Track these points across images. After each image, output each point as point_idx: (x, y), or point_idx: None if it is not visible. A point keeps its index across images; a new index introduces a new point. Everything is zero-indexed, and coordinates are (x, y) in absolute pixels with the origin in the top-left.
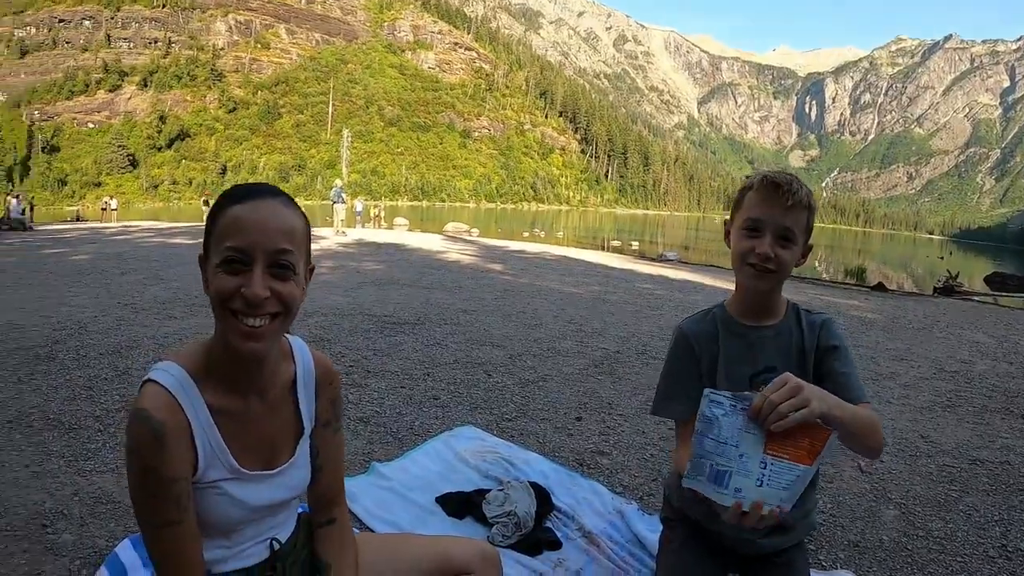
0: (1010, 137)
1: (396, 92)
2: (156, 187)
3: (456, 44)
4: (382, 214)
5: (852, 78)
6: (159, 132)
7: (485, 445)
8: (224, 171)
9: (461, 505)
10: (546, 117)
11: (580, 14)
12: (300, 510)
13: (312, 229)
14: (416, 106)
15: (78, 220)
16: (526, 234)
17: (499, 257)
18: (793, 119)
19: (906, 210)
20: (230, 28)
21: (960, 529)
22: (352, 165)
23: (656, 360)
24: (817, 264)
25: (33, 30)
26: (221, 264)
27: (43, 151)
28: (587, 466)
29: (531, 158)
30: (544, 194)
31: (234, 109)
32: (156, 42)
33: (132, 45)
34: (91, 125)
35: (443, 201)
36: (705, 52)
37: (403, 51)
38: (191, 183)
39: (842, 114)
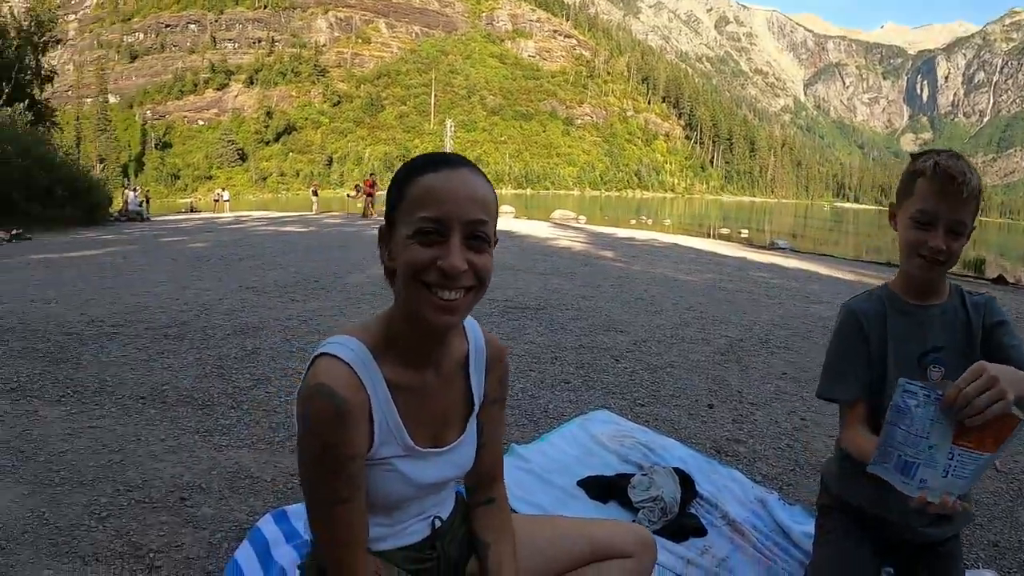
0: None
1: (497, 81)
2: (265, 179)
3: (555, 31)
4: None
5: (964, 55)
6: (266, 127)
7: (621, 430)
8: (330, 162)
9: (604, 489)
10: (649, 103)
11: None
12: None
13: None
14: (518, 94)
15: (192, 211)
16: (633, 222)
17: (609, 244)
18: (904, 100)
19: None
20: (331, 25)
21: None
22: None
23: (780, 350)
24: None
25: (141, 35)
26: (414, 235)
27: (156, 148)
28: (724, 454)
29: (635, 145)
30: (648, 181)
31: (338, 103)
32: (260, 41)
33: (237, 45)
34: (201, 122)
35: (547, 189)
36: (810, 31)
37: (502, 40)
38: (298, 174)
39: (955, 94)
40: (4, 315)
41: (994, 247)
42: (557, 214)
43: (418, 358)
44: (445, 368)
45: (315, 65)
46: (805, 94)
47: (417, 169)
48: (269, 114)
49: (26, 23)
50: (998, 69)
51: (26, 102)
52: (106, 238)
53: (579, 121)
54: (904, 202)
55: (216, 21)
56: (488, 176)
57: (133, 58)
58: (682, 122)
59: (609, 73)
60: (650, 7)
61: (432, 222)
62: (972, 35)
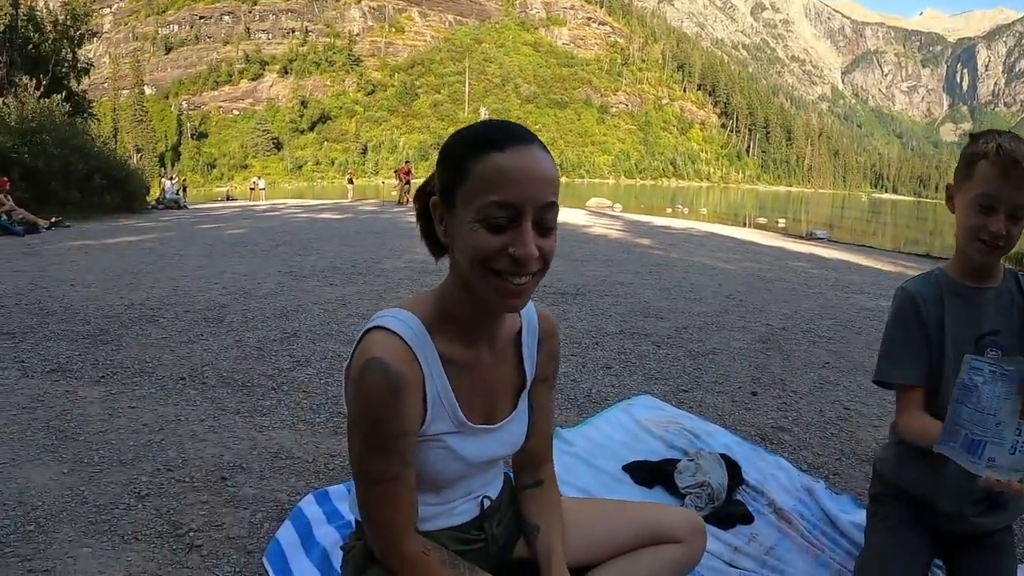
0: None
1: (531, 69)
2: (300, 168)
3: (589, 19)
4: None
5: (1006, 44)
6: (301, 116)
7: (665, 415)
8: (365, 151)
9: (650, 474)
10: (684, 91)
11: None
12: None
13: None
14: (552, 83)
15: (228, 199)
16: (669, 210)
17: (646, 232)
18: (943, 89)
19: None
20: (364, 14)
21: None
22: None
23: (822, 340)
24: None
25: (176, 28)
26: (482, 220)
27: (192, 138)
28: (769, 441)
29: (670, 133)
30: (684, 170)
31: (372, 91)
32: (293, 32)
33: (271, 36)
34: (236, 112)
35: (582, 177)
36: (847, 18)
37: (536, 28)
38: (333, 163)
39: (996, 83)
40: (45, 299)
41: None
42: (593, 202)
43: (473, 334)
44: (499, 344)
45: (349, 54)
46: (843, 82)
47: (482, 144)
48: (304, 103)
49: (62, 17)
50: None
51: (63, 94)
52: (144, 225)
53: (614, 109)
54: (963, 185)
55: (250, 12)
56: None
57: (168, 50)
58: (718, 110)
59: (644, 61)
60: None
61: (504, 207)
62: (1013, 23)
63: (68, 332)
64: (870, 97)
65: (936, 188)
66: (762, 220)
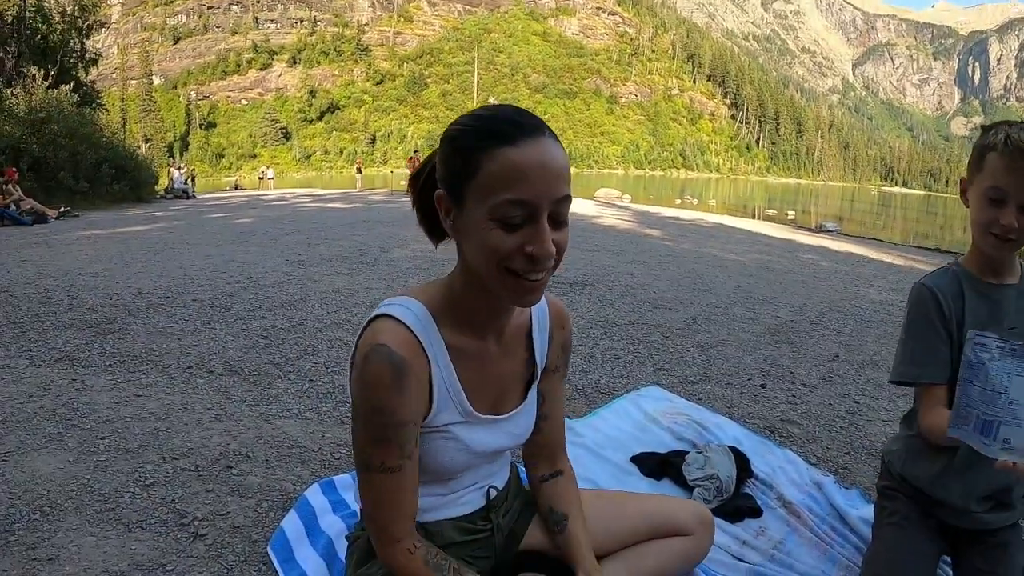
0: None
1: (541, 59)
2: (308, 157)
3: (599, 9)
4: None
5: (1018, 37)
6: (310, 106)
7: (674, 407)
8: (373, 141)
9: (658, 466)
10: (694, 82)
11: None
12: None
13: None
14: (561, 73)
15: (237, 189)
16: (678, 201)
17: (655, 223)
18: (955, 82)
19: None
20: (372, 4)
21: None
22: None
23: (832, 332)
24: None
25: (184, 18)
26: (497, 220)
27: (200, 128)
28: (778, 434)
29: (679, 124)
30: (693, 161)
31: (381, 81)
32: (302, 21)
33: (279, 26)
34: (244, 102)
35: (590, 168)
36: (859, 10)
37: (545, 18)
38: (342, 153)
39: (1008, 77)
40: (53, 288)
41: None
42: (601, 192)
43: (480, 325)
44: (507, 335)
45: (357, 44)
46: (853, 74)
47: (491, 137)
48: (312, 93)
49: (70, 7)
50: None
51: (72, 84)
52: (152, 214)
53: (623, 100)
54: (975, 178)
55: (258, 2)
56: None
57: (176, 40)
58: (728, 101)
59: (654, 51)
60: None
61: (519, 206)
62: None
63: (75, 321)
64: (881, 90)
65: (947, 182)
66: (771, 212)
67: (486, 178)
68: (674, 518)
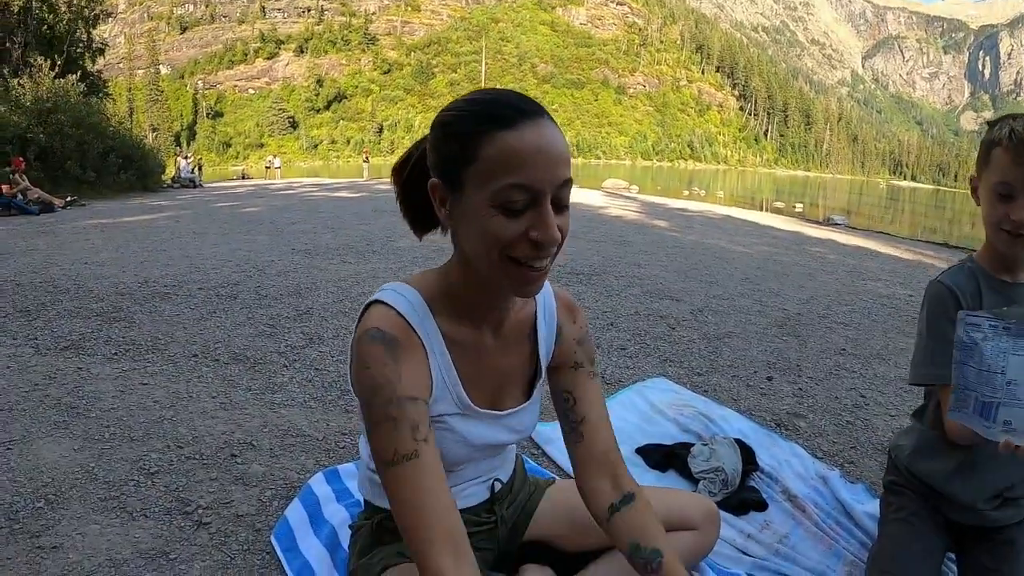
0: None
1: (548, 49)
2: (316, 146)
3: None
4: None
5: None
6: (317, 95)
7: (680, 398)
8: (380, 130)
9: (664, 458)
10: (702, 73)
11: None
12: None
13: None
14: (569, 63)
15: (243, 178)
16: (686, 192)
17: (662, 214)
18: (965, 76)
19: None
20: None
21: None
22: None
23: (839, 326)
24: None
25: (191, 7)
26: (499, 206)
27: (207, 117)
28: (784, 427)
29: (687, 115)
30: (701, 152)
31: (388, 71)
32: (309, 11)
33: (286, 15)
34: (251, 91)
35: (598, 158)
36: (869, 2)
37: (553, 8)
38: (349, 142)
39: (1018, 72)
40: (59, 277)
41: None
42: (609, 183)
43: (477, 316)
44: (506, 329)
45: (365, 33)
46: (863, 67)
47: (489, 121)
48: (319, 82)
49: None
50: None
51: (78, 74)
52: (159, 204)
53: (631, 90)
54: (983, 174)
55: None
56: None
57: (183, 29)
58: (736, 92)
59: (662, 42)
60: None
61: (522, 190)
62: None
63: (81, 310)
64: (890, 83)
65: (956, 177)
66: (779, 204)
67: (485, 163)
68: (681, 512)
